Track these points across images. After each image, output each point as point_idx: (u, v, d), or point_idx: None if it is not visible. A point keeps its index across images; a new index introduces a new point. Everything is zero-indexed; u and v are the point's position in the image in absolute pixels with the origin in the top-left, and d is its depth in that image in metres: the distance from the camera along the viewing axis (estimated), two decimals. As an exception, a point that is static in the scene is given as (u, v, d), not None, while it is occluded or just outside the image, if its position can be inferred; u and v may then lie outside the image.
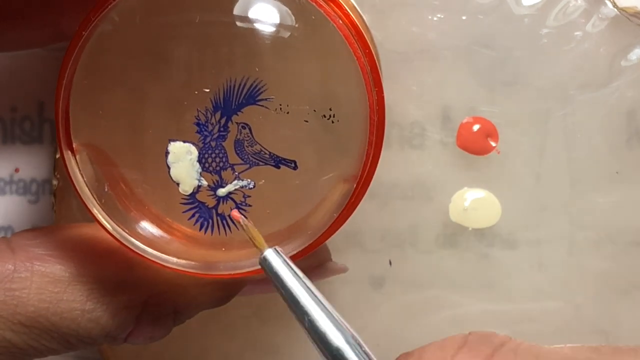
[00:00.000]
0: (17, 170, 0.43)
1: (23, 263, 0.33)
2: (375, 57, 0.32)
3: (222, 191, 0.32)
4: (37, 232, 0.34)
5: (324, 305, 0.28)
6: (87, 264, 0.33)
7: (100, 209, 0.32)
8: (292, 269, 0.29)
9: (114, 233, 0.32)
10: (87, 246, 0.34)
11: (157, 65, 0.32)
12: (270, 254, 0.29)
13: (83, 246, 0.34)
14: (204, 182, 0.32)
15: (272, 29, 0.31)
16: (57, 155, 0.40)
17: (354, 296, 0.40)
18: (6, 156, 0.43)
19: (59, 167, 0.40)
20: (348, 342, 0.27)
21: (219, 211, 0.33)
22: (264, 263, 0.29)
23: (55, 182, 0.41)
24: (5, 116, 0.43)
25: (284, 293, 0.29)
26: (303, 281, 0.29)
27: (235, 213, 0.32)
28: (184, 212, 0.33)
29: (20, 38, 0.38)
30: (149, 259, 0.32)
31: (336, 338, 0.28)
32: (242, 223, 0.32)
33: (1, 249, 0.33)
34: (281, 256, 0.29)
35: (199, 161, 0.32)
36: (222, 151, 0.32)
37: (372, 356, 0.28)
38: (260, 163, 0.32)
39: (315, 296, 0.28)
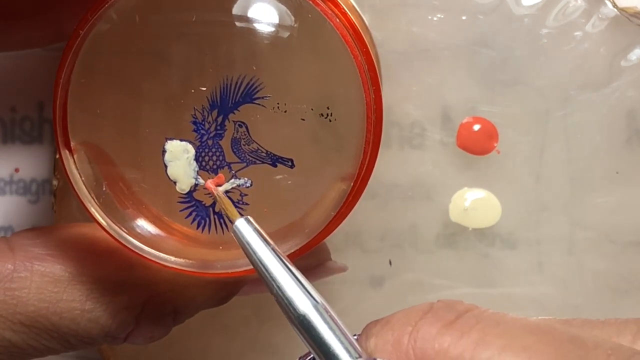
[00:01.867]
0: (17, 170, 0.43)
1: (23, 263, 0.33)
2: (373, 56, 0.32)
3: (219, 190, 0.32)
4: (37, 232, 0.34)
5: (292, 273, 0.28)
6: (87, 263, 0.33)
7: (98, 208, 0.32)
8: (263, 238, 0.29)
9: (112, 232, 0.32)
10: (86, 246, 0.34)
11: (155, 63, 0.32)
12: (241, 223, 0.29)
13: (83, 246, 0.34)
14: (201, 181, 0.32)
15: (270, 27, 0.31)
16: (57, 155, 0.40)
17: (354, 296, 0.40)
18: (6, 156, 0.43)
19: (58, 167, 0.40)
20: (315, 308, 0.27)
21: (216, 210, 0.33)
22: (236, 233, 0.29)
23: (55, 182, 0.41)
24: (5, 116, 0.43)
25: (254, 262, 0.29)
26: (273, 250, 0.29)
27: (208, 184, 0.32)
28: (181, 210, 0.33)
29: (21, 38, 0.38)
30: (147, 258, 0.32)
31: (302, 304, 0.28)
32: (215, 194, 0.32)
33: (1, 249, 0.33)
34: (252, 225, 0.29)
35: (196, 160, 0.32)
36: (219, 150, 0.32)
37: (339, 322, 0.28)
38: (257, 161, 0.32)
39: (285, 264, 0.28)
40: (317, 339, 0.27)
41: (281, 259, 0.29)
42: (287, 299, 0.28)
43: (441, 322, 0.27)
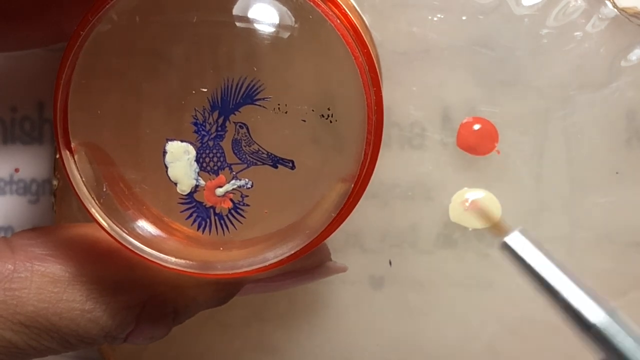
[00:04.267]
0: (17, 170, 0.43)
1: (23, 263, 0.33)
2: (373, 56, 0.32)
3: (220, 191, 0.32)
4: (37, 232, 0.34)
5: (578, 282, 0.28)
6: (87, 264, 0.33)
7: (98, 209, 0.32)
8: (539, 249, 0.29)
9: (112, 232, 0.32)
10: (87, 246, 0.34)
11: (156, 64, 0.32)
12: (515, 236, 0.29)
13: (83, 246, 0.34)
14: (202, 182, 0.32)
15: (270, 28, 0.31)
16: (57, 155, 0.40)
17: (354, 296, 0.40)
18: (6, 156, 0.43)
19: (59, 167, 0.40)
20: (610, 316, 0.27)
21: (217, 211, 0.33)
22: (507, 247, 0.29)
23: (55, 182, 0.41)
24: (5, 116, 0.43)
25: (534, 275, 0.28)
26: (552, 261, 0.28)
27: (475, 201, 0.31)
28: (182, 211, 0.33)
29: (22, 38, 0.38)
30: (148, 259, 0.32)
31: (594, 314, 0.27)
32: (475, 209, 0.31)
33: (1, 249, 0.33)
34: (528, 236, 0.29)
35: (197, 161, 0.32)
36: (220, 151, 0.32)
37: (635, 327, 0.27)
38: (258, 163, 0.32)
39: (567, 274, 0.28)
40: (614, 347, 0.27)
41: (562, 270, 0.28)
42: (576, 309, 0.27)
43: None
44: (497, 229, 0.30)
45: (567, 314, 0.28)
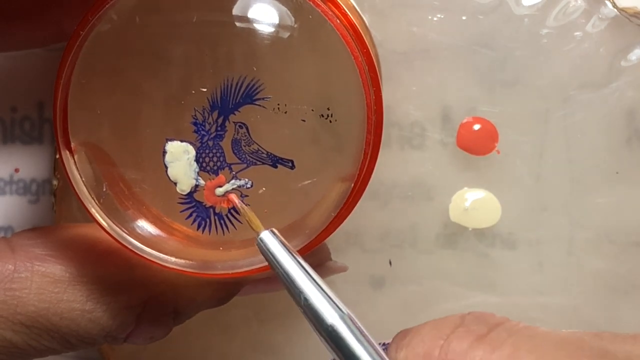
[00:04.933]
0: (17, 170, 0.43)
1: (23, 263, 0.33)
2: (373, 56, 0.32)
3: (219, 191, 0.32)
4: (37, 232, 0.34)
5: (318, 284, 0.29)
6: (87, 264, 0.33)
7: (98, 209, 0.32)
8: (287, 249, 0.29)
9: (112, 232, 0.32)
10: (87, 246, 0.34)
11: (155, 64, 0.32)
12: (266, 235, 0.30)
13: (83, 246, 0.34)
14: (202, 182, 0.32)
15: (270, 28, 0.31)
16: (57, 155, 0.40)
17: (354, 296, 0.40)
18: (6, 156, 0.43)
19: (59, 167, 0.40)
20: (342, 319, 0.28)
21: (217, 211, 0.33)
22: (261, 244, 0.30)
23: (55, 182, 0.41)
24: (5, 116, 0.43)
25: (280, 273, 0.29)
26: (299, 261, 0.29)
27: (232, 197, 0.32)
28: (181, 211, 0.33)
29: (21, 38, 0.38)
30: (147, 259, 0.32)
31: (330, 316, 0.28)
32: (239, 206, 0.32)
33: (1, 249, 0.33)
34: (277, 237, 0.30)
35: (197, 160, 0.32)
36: (220, 150, 0.32)
37: (366, 332, 0.28)
38: (258, 162, 0.32)
39: (310, 275, 0.29)
40: (345, 350, 0.27)
41: (307, 271, 0.29)
42: (314, 310, 0.28)
43: (473, 335, 0.27)
44: (254, 226, 0.31)
45: (307, 313, 0.28)
